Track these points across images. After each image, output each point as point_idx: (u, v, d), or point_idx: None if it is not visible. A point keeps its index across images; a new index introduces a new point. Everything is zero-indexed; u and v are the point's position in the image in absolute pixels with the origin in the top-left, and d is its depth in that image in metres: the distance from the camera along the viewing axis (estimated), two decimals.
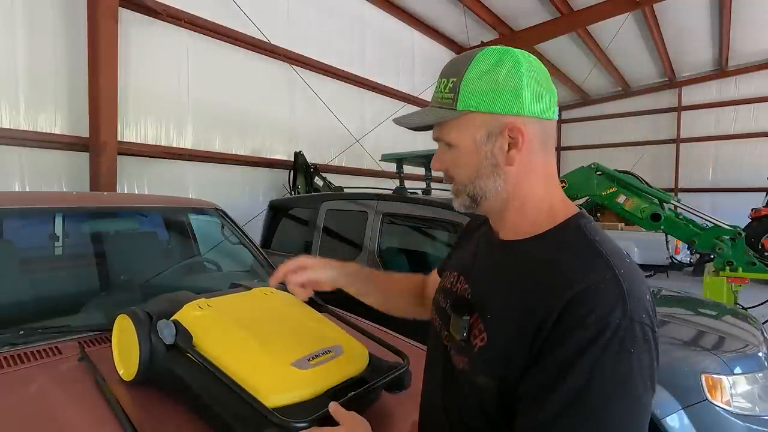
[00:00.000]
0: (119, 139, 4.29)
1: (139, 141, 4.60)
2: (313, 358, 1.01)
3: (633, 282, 0.58)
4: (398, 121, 0.75)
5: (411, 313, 1.06)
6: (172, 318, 1.10)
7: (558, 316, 0.56)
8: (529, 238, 0.68)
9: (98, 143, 4.06)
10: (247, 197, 5.69)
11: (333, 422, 0.79)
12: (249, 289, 1.36)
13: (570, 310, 0.56)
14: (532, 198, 0.69)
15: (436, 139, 0.72)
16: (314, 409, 0.88)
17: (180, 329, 1.06)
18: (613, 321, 0.54)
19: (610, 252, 0.61)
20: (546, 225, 0.67)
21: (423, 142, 8.42)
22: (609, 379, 0.53)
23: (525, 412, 0.57)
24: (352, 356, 1.10)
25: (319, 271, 0.98)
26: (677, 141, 12.82)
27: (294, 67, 6.00)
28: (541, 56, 10.18)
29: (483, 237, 0.79)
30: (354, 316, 1.74)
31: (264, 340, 1.05)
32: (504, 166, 0.67)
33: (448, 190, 0.83)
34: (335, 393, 0.96)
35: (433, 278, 0.99)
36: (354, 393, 0.97)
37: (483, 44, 8.93)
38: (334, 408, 0.78)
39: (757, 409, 1.89)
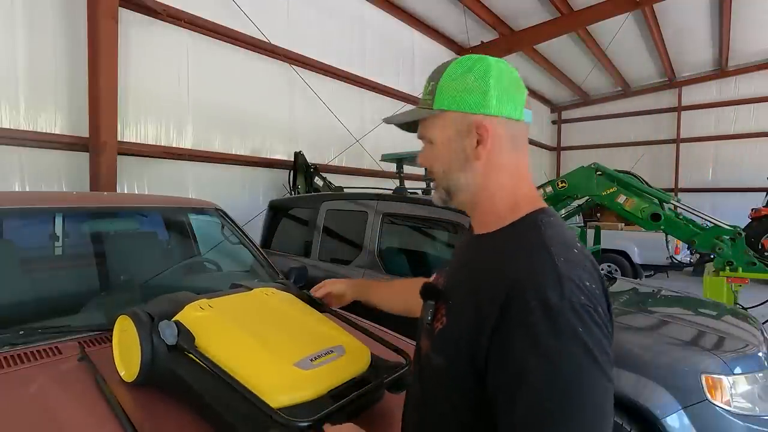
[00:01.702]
0: (119, 139, 4.29)
1: (139, 141, 4.60)
2: (315, 359, 1.01)
3: (572, 268, 0.62)
4: (387, 120, 0.83)
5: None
6: (173, 319, 1.10)
7: (502, 303, 0.61)
8: (493, 231, 0.74)
9: (98, 143, 4.06)
10: (247, 197, 5.69)
11: (335, 422, 0.80)
12: (250, 289, 1.36)
13: (513, 296, 0.60)
14: (499, 193, 0.74)
15: (420, 137, 0.80)
16: (317, 409, 0.88)
17: (182, 330, 1.06)
18: (554, 302, 0.57)
19: (556, 243, 0.65)
20: (509, 219, 0.73)
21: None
22: (567, 357, 0.56)
23: (502, 412, 0.60)
24: (354, 356, 1.10)
25: (336, 286, 1.26)
26: (677, 141, 12.82)
27: (294, 67, 6.00)
28: (541, 56, 10.19)
29: (466, 234, 0.86)
30: (354, 316, 1.74)
31: (266, 340, 1.05)
32: (473, 161, 0.73)
33: None
34: (338, 393, 0.96)
35: None
36: (357, 393, 0.97)
37: (483, 44, 8.94)
38: (327, 430, 0.80)
39: (757, 409, 1.89)
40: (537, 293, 0.59)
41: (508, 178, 0.74)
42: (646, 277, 7.86)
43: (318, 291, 1.28)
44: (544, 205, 0.75)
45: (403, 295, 1.15)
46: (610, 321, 0.63)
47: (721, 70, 11.72)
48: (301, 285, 1.64)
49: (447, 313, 0.71)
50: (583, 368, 0.56)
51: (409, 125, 0.81)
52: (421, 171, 5.48)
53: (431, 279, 0.89)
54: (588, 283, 0.61)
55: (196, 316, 1.11)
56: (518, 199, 0.74)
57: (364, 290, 1.25)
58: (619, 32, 8.64)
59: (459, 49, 9.24)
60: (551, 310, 0.57)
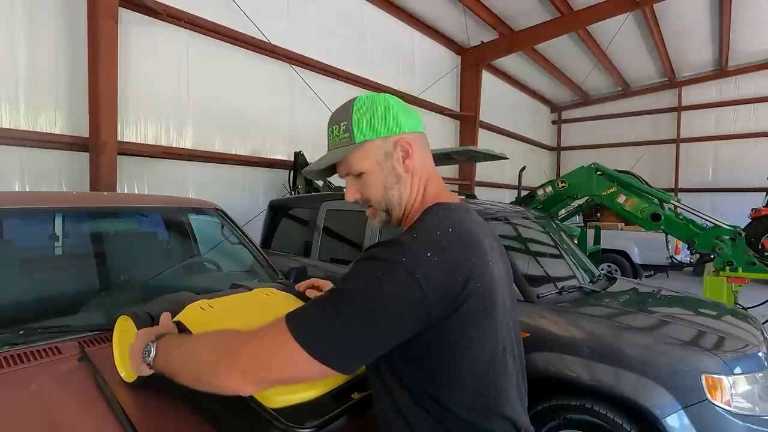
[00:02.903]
0: (119, 139, 4.29)
1: (139, 141, 4.60)
2: None
3: (416, 241, 0.73)
4: (306, 171, 0.96)
5: None
6: (174, 319, 1.10)
7: None
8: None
9: (98, 143, 4.06)
10: (247, 197, 5.69)
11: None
12: (250, 289, 1.36)
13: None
14: (414, 197, 0.86)
15: (344, 176, 0.89)
16: (318, 410, 0.88)
17: (182, 330, 1.06)
18: (380, 255, 0.72)
19: (422, 226, 0.78)
20: (416, 216, 0.84)
21: None
22: (360, 283, 0.71)
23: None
24: None
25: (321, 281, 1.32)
26: (677, 141, 12.82)
27: (294, 67, 6.00)
28: (541, 56, 10.19)
29: None
30: None
31: None
32: (403, 174, 0.85)
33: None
34: (338, 394, 0.96)
35: None
36: (357, 393, 0.97)
37: (483, 44, 8.94)
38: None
39: (757, 409, 1.89)
40: (377, 249, 0.74)
41: (423, 181, 0.87)
42: (646, 277, 7.86)
43: (301, 285, 1.32)
44: (450, 199, 0.86)
45: None
46: (481, 296, 0.74)
47: (721, 70, 11.72)
48: None
49: None
50: (367, 291, 0.70)
51: (326, 170, 0.92)
52: None
53: None
54: (429, 255, 0.71)
55: (196, 316, 1.11)
56: (427, 198, 0.86)
57: None
58: (619, 32, 8.65)
59: (459, 49, 9.24)
60: (374, 257, 0.72)
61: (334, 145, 0.87)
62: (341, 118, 0.86)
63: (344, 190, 0.92)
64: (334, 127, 0.87)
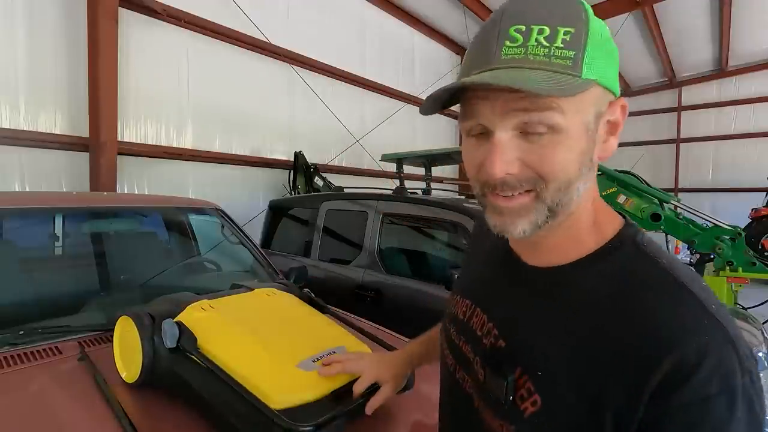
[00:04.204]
0: (119, 139, 4.29)
1: (139, 141, 4.59)
2: (317, 360, 1.01)
3: (730, 323, 0.44)
4: (433, 96, 0.50)
5: None
6: (174, 319, 1.10)
7: (658, 386, 0.42)
8: (575, 262, 0.53)
9: (98, 143, 4.06)
10: (247, 197, 5.68)
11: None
12: (251, 289, 1.36)
13: (676, 378, 0.42)
14: (585, 204, 0.53)
15: (518, 119, 0.47)
16: (319, 410, 0.88)
17: (183, 331, 1.06)
18: (737, 384, 0.41)
19: (688, 278, 0.47)
20: (593, 242, 0.53)
21: (423, 141, 8.42)
22: None
23: None
24: None
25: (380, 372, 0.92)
26: (677, 141, 12.82)
27: (294, 67, 6.00)
28: None
29: (496, 254, 0.64)
30: (355, 316, 1.74)
31: (268, 341, 1.05)
32: (595, 159, 0.51)
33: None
34: (340, 394, 0.96)
35: None
36: (359, 394, 0.97)
37: None
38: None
39: None
40: (713, 366, 0.41)
41: (593, 182, 0.53)
42: None
43: (359, 385, 0.92)
44: (614, 210, 0.57)
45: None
46: None
47: (721, 70, 11.71)
48: (301, 285, 1.64)
49: (538, 389, 0.50)
50: None
51: (436, 102, 0.51)
52: (421, 171, 5.30)
53: (458, 313, 0.67)
54: (745, 340, 0.45)
55: (197, 316, 1.11)
56: (597, 207, 0.54)
57: (414, 359, 0.94)
58: (619, 32, 8.64)
59: (459, 49, 9.23)
60: (736, 392, 0.41)
61: (532, 60, 0.45)
62: (565, 16, 0.46)
63: (490, 155, 0.48)
64: (543, 28, 0.46)
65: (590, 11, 0.48)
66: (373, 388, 0.99)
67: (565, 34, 0.45)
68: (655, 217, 4.23)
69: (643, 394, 0.43)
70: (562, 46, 0.45)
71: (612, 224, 0.54)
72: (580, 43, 0.46)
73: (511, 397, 0.52)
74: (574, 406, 0.47)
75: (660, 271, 0.49)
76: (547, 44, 0.45)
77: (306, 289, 1.51)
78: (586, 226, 0.54)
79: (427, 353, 0.92)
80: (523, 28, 0.46)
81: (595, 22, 0.48)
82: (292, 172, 5.74)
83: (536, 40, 0.46)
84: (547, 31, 0.46)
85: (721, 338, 0.43)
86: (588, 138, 0.49)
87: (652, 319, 0.45)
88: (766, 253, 7.84)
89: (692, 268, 0.52)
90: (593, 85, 0.47)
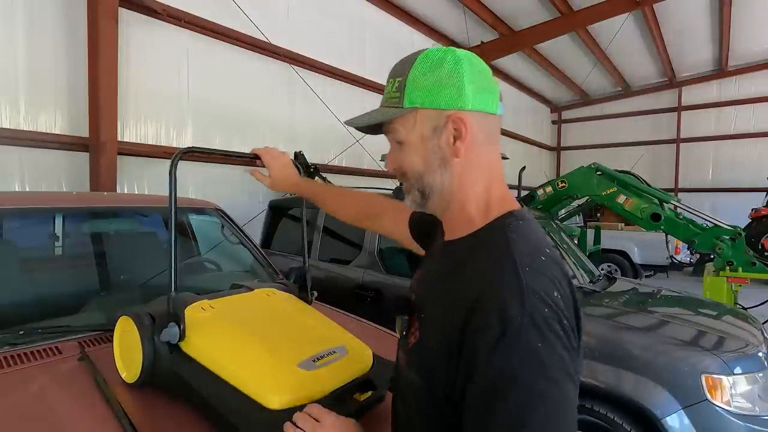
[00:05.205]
0: (119, 139, 4.29)
1: (139, 141, 4.59)
2: (318, 359, 1.01)
3: (536, 278, 0.59)
4: (349, 122, 0.77)
5: (358, 225, 1.20)
6: None
7: (464, 318, 0.58)
8: (461, 237, 0.70)
9: (98, 143, 4.06)
10: (247, 197, 5.68)
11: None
12: (251, 289, 1.36)
13: (475, 309, 0.58)
14: (472, 194, 0.70)
15: (388, 138, 0.74)
16: None
17: (183, 330, 1.06)
18: (514, 317, 0.55)
19: (520, 250, 0.62)
20: (479, 223, 0.69)
21: None
22: (523, 375, 0.53)
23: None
24: (356, 357, 1.10)
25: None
26: (677, 141, 12.82)
27: (294, 67, 6.00)
28: (541, 56, 10.19)
29: (437, 239, 0.81)
30: (355, 317, 1.74)
31: (268, 341, 1.05)
32: (450, 158, 0.68)
33: None
34: (341, 394, 0.96)
35: (396, 208, 1.09)
36: (360, 394, 0.97)
37: (483, 44, 8.93)
38: (316, 411, 0.79)
39: (757, 409, 1.89)
40: (496, 307, 0.56)
41: (483, 177, 0.70)
42: (646, 277, 7.86)
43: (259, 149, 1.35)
44: (516, 206, 0.71)
45: (353, 206, 1.20)
46: (578, 328, 0.61)
47: (721, 70, 11.72)
48: (309, 289, 1.64)
49: (420, 327, 0.69)
50: (541, 392, 0.53)
51: (373, 127, 0.75)
52: None
53: (411, 283, 0.83)
54: (554, 293, 0.58)
55: (197, 317, 1.11)
56: (490, 200, 0.70)
57: (316, 190, 1.29)
58: (619, 32, 8.64)
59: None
60: (511, 326, 0.54)
61: (383, 102, 0.72)
62: (399, 71, 0.71)
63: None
64: (390, 81, 0.72)
65: (422, 58, 0.69)
66: (374, 393, 1.00)
67: (396, 82, 0.70)
68: (655, 217, 4.23)
69: (465, 326, 0.58)
70: (394, 90, 0.70)
71: (499, 211, 0.69)
72: (402, 86, 0.69)
73: (404, 332, 0.73)
74: (434, 337, 0.64)
75: (502, 241, 0.64)
76: (389, 90, 0.71)
77: (314, 292, 1.50)
78: (476, 210, 0.70)
79: (325, 200, 1.24)
80: (389, 80, 0.72)
81: (421, 62, 0.68)
82: None
83: (388, 88, 0.72)
84: (392, 81, 0.71)
85: (513, 289, 0.57)
86: (427, 145, 0.69)
87: (475, 276, 0.62)
88: (766, 253, 7.84)
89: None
90: (417, 109, 0.68)
